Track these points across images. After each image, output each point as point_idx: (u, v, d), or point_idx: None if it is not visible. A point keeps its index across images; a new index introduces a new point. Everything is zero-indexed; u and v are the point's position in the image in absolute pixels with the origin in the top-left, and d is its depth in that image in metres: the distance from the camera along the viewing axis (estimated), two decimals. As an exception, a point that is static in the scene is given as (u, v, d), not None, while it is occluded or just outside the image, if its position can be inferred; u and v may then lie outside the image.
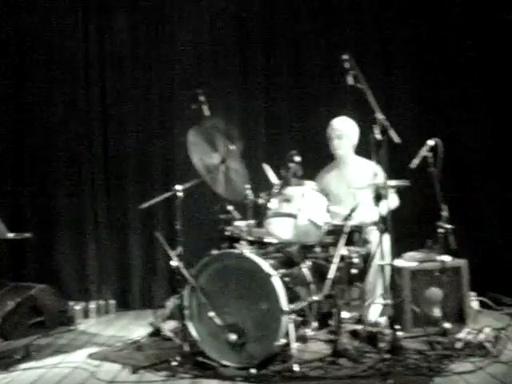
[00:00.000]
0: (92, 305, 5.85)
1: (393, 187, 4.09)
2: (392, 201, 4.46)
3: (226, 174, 4.10)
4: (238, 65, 6.08)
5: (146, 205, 4.03)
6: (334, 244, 3.96)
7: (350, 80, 3.76)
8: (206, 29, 6.02)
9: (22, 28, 5.97)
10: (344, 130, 4.70)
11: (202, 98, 4.14)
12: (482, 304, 4.78)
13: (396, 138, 3.67)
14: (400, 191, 4.49)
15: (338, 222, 4.01)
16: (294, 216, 3.77)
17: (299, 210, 3.75)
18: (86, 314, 5.78)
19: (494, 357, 3.54)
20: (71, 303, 5.67)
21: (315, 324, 3.93)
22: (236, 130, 5.68)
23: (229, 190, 4.16)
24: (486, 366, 3.39)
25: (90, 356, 4.13)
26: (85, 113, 6.06)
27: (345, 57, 3.78)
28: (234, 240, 4.06)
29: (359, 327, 3.97)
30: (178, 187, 3.90)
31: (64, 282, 6.05)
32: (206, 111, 4.14)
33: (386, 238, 3.89)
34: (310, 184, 3.87)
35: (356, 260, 3.92)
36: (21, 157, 6.00)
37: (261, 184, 4.14)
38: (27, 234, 4.64)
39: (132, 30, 6.08)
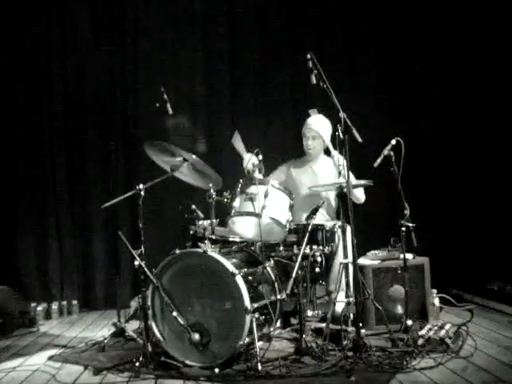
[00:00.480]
0: (54, 306, 5.75)
1: (356, 186, 4.13)
2: (359, 195, 4.52)
3: (194, 169, 4.08)
4: (202, 60, 6.04)
5: (108, 204, 3.97)
6: (298, 243, 3.98)
7: (313, 79, 3.76)
8: (170, 25, 5.97)
9: None
10: (319, 131, 4.71)
11: (165, 96, 4.10)
12: (444, 301, 4.84)
13: (359, 138, 3.69)
14: (364, 190, 4.53)
15: (300, 220, 4.02)
16: (257, 215, 3.76)
17: (262, 208, 3.75)
18: (48, 315, 5.69)
19: (454, 352, 3.61)
20: (33, 304, 5.57)
21: (279, 323, 3.96)
22: (200, 128, 5.75)
23: (200, 180, 4.17)
24: (447, 362, 3.46)
25: (51, 358, 4.06)
26: (47, 105, 5.96)
27: (308, 56, 3.78)
28: (197, 239, 4.06)
29: (322, 325, 3.99)
30: (141, 186, 3.85)
31: (25, 283, 5.94)
32: (169, 109, 4.11)
33: (349, 236, 3.91)
34: (272, 183, 3.87)
35: (319, 258, 3.95)
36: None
37: (225, 183, 4.12)
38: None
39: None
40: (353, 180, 3.84)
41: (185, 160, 3.98)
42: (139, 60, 5.99)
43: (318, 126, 4.73)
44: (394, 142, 4.03)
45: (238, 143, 4.43)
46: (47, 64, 5.93)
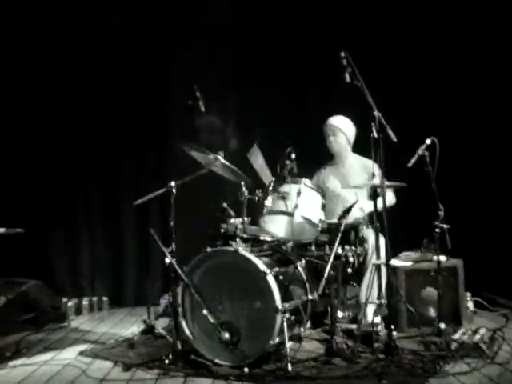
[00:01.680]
0: (85, 301, 5.82)
1: (389, 187, 4.06)
2: (389, 198, 4.44)
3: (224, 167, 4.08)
4: (233, 61, 6.03)
5: (140, 201, 3.98)
6: (330, 243, 3.94)
7: (347, 77, 3.73)
8: (202, 28, 5.97)
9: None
10: (338, 126, 4.70)
11: (198, 94, 4.10)
12: (477, 304, 4.75)
13: (393, 136, 3.63)
14: (397, 190, 4.47)
15: (333, 219, 3.98)
16: (289, 214, 3.73)
17: (295, 207, 3.72)
18: (78, 310, 5.75)
19: (489, 358, 3.53)
20: (64, 299, 5.63)
21: (309, 323, 3.92)
22: (231, 127, 5.73)
23: (234, 177, 4.16)
24: (481, 367, 3.38)
25: (82, 353, 4.09)
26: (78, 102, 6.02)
27: (342, 54, 3.74)
28: (228, 237, 4.04)
29: (354, 327, 3.94)
30: (173, 183, 3.85)
31: (57, 278, 6.03)
32: (202, 107, 4.10)
33: (382, 237, 3.86)
34: (305, 181, 3.83)
35: (351, 259, 3.90)
36: (13, 150, 5.94)
37: (257, 181, 4.10)
38: (19, 230, 4.60)
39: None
40: (386, 182, 3.78)
41: (216, 159, 3.97)
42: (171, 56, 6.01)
43: (337, 121, 4.73)
44: (428, 141, 3.95)
45: (255, 158, 4.26)
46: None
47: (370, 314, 3.83)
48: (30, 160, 5.97)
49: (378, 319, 3.75)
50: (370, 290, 3.81)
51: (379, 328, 3.76)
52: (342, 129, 4.70)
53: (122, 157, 6.07)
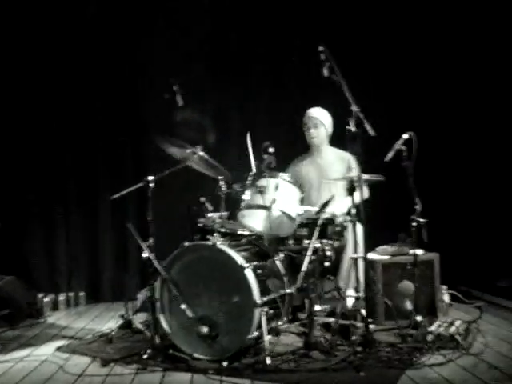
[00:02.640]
0: (61, 297, 5.77)
1: (367, 181, 4.09)
2: (364, 191, 4.48)
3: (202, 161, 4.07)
4: (211, 52, 6.01)
5: (117, 195, 3.96)
6: (308, 236, 3.95)
7: (325, 72, 3.73)
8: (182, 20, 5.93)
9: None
10: (321, 119, 4.73)
11: (175, 88, 4.07)
12: (453, 297, 4.82)
13: (371, 131, 3.65)
14: (374, 185, 4.50)
15: (311, 214, 3.99)
16: (267, 208, 3.73)
17: (272, 201, 3.72)
18: (55, 306, 5.70)
19: (464, 349, 3.58)
20: (40, 295, 5.57)
21: (288, 317, 3.93)
22: (209, 121, 5.72)
23: (211, 171, 4.15)
24: (457, 359, 3.43)
25: (59, 349, 4.06)
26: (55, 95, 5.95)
27: (320, 48, 3.74)
28: (206, 232, 4.03)
29: (331, 320, 3.96)
30: (150, 177, 3.83)
31: (33, 274, 5.94)
32: (180, 101, 4.08)
33: (360, 230, 3.89)
34: (283, 176, 3.83)
35: (329, 253, 3.91)
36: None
37: (234, 176, 4.10)
38: (-4, 224, 4.55)
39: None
40: (364, 176, 3.79)
41: (194, 153, 3.96)
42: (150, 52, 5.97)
43: (318, 113, 4.75)
44: (406, 136, 3.98)
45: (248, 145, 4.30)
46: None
47: (350, 298, 3.85)
48: (6, 155, 5.88)
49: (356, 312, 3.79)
50: (348, 283, 3.84)
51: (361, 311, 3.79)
52: (324, 121, 4.73)
53: (99, 152, 6.01)
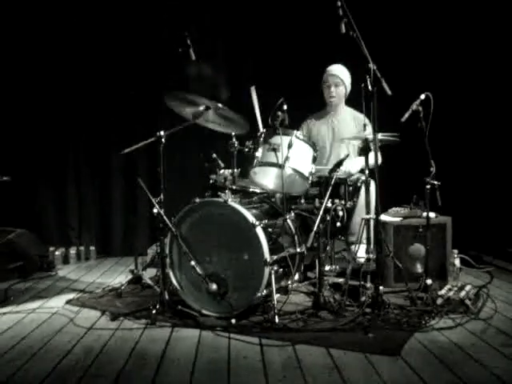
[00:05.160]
0: (72, 251, 5.83)
1: (382, 140, 4.01)
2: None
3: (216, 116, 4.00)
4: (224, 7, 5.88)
5: (128, 149, 3.91)
6: (320, 196, 3.91)
7: (342, 28, 3.61)
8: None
9: None
10: (342, 77, 4.67)
11: (188, 42, 3.99)
12: (464, 262, 4.78)
13: (388, 90, 3.56)
14: (389, 145, 4.42)
15: (324, 173, 3.94)
16: (279, 166, 3.68)
17: (285, 159, 3.67)
18: (65, 259, 5.76)
19: (474, 314, 3.57)
20: (51, 248, 5.64)
21: (297, 276, 3.93)
22: (222, 76, 5.63)
23: (227, 127, 4.10)
24: (466, 323, 3.41)
25: (69, 302, 4.10)
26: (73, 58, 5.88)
27: (338, 3, 3.62)
28: (217, 189, 4.00)
29: (341, 280, 3.96)
30: (162, 133, 3.78)
31: (44, 227, 6.03)
32: (193, 55, 3.99)
33: (373, 190, 3.84)
34: (297, 133, 3.76)
35: (341, 213, 3.87)
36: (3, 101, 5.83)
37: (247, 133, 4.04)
38: (6, 178, 4.54)
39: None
40: (379, 135, 3.71)
41: (207, 108, 3.90)
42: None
43: (340, 71, 4.68)
44: (422, 96, 3.87)
45: (253, 99, 4.24)
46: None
47: (362, 251, 3.84)
48: (20, 111, 5.87)
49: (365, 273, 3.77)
50: (360, 239, 3.81)
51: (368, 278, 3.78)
52: (345, 80, 4.67)
53: (109, 107, 5.97)
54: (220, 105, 3.84)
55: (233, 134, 3.93)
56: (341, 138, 4.51)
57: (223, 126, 4.10)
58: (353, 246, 4.08)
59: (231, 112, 3.90)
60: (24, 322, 3.67)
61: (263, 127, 4.04)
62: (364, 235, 3.75)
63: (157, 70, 5.84)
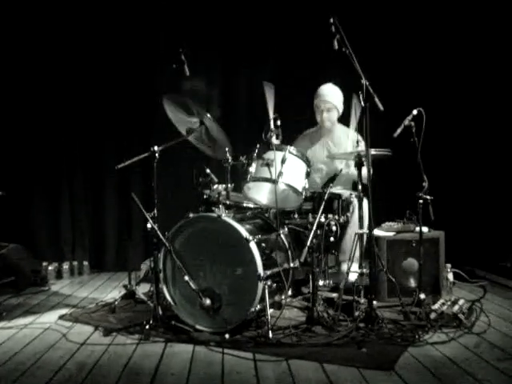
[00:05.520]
0: (65, 266, 5.81)
1: (374, 156, 4.04)
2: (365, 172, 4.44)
3: (207, 134, 4.02)
4: (219, 24, 5.92)
5: (122, 165, 3.92)
6: (313, 211, 3.93)
7: (335, 44, 3.65)
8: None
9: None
10: (334, 103, 4.66)
11: (183, 57, 4.01)
12: (457, 276, 4.80)
13: (380, 106, 3.59)
14: (381, 160, 4.45)
15: (317, 188, 3.96)
16: (273, 181, 3.70)
17: (279, 175, 3.68)
18: (59, 274, 5.74)
19: (467, 328, 3.57)
20: (44, 263, 5.62)
21: (291, 291, 3.93)
22: (216, 91, 5.66)
23: (213, 149, 4.12)
24: (459, 337, 3.42)
25: (62, 317, 4.08)
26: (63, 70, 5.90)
27: (331, 20, 3.67)
28: (211, 203, 4.01)
29: (335, 295, 3.96)
30: (156, 148, 3.80)
31: (37, 242, 6.00)
32: (187, 71, 4.02)
33: (365, 206, 3.85)
34: (290, 149, 3.78)
35: (334, 228, 3.89)
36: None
37: (239, 147, 4.06)
38: (0, 192, 4.53)
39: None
40: (371, 151, 3.74)
41: (201, 123, 3.92)
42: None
43: (332, 96, 4.66)
44: (415, 112, 3.92)
45: (269, 95, 4.05)
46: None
47: (353, 274, 3.84)
48: (13, 126, 5.88)
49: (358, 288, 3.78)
50: (352, 258, 3.82)
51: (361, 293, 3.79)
52: (337, 105, 4.65)
53: (104, 121, 5.98)
54: (211, 119, 3.86)
55: (226, 149, 3.95)
56: (334, 153, 4.53)
57: (209, 147, 4.12)
58: (344, 265, 4.08)
59: (220, 131, 3.92)
60: (16, 337, 3.65)
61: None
62: (357, 253, 3.76)
63: (151, 85, 5.86)
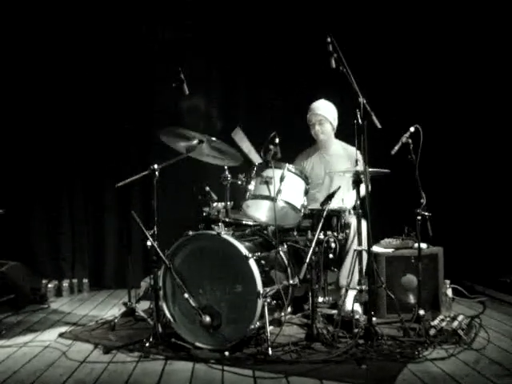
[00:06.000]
0: (65, 283, 5.80)
1: (372, 174, 4.08)
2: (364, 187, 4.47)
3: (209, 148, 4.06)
4: (218, 44, 5.99)
5: (122, 183, 3.95)
6: (312, 228, 3.95)
7: (332, 63, 3.70)
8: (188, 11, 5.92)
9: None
10: (325, 115, 4.69)
11: (182, 76, 4.05)
12: (456, 292, 4.82)
13: (378, 124, 3.63)
14: (379, 178, 4.49)
15: (316, 206, 3.98)
16: (272, 199, 3.72)
17: (278, 192, 3.71)
18: (58, 292, 5.73)
19: (467, 344, 3.57)
20: (44, 281, 5.61)
21: (290, 308, 3.94)
22: (215, 109, 5.70)
23: (219, 159, 4.15)
24: (459, 353, 3.42)
25: (62, 335, 4.08)
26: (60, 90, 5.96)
27: (328, 39, 3.71)
28: (211, 221, 4.03)
29: (334, 312, 3.97)
30: (155, 166, 3.83)
31: (37, 260, 5.99)
32: (186, 90, 4.06)
33: (364, 223, 3.88)
34: (289, 166, 3.81)
35: (333, 245, 3.90)
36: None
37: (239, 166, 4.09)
38: (0, 210, 4.55)
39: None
40: (369, 169, 3.77)
41: (200, 142, 3.95)
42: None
43: (323, 109, 4.71)
44: (412, 129, 3.97)
45: (240, 139, 4.24)
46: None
47: (351, 299, 3.85)
48: (13, 143, 5.91)
49: (357, 306, 3.79)
50: (352, 275, 3.83)
51: (359, 312, 3.79)
52: (328, 118, 4.69)
53: (104, 140, 6.02)
54: (213, 138, 3.90)
55: (225, 166, 3.98)
56: (332, 171, 4.55)
57: (218, 159, 4.15)
58: (343, 290, 4.09)
59: (225, 144, 3.95)
60: (16, 355, 3.64)
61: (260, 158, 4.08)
62: (356, 268, 3.77)
63: (151, 103, 5.92)
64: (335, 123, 4.74)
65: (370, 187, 4.39)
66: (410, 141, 3.94)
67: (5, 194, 5.68)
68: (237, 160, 4.04)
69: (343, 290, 4.06)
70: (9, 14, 5.77)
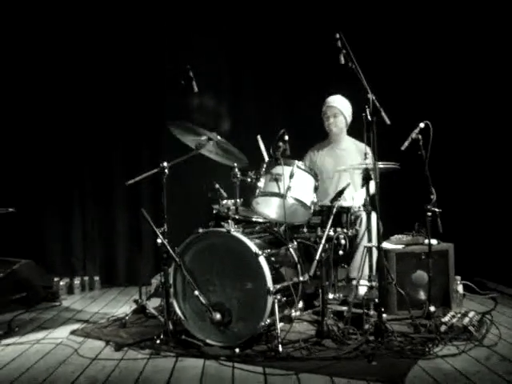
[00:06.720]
0: (76, 281, 5.83)
1: (382, 168, 4.06)
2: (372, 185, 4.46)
3: (220, 147, 4.07)
4: (227, 39, 5.99)
5: (133, 180, 3.97)
6: (322, 225, 3.94)
7: (341, 59, 3.70)
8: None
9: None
10: (340, 108, 4.72)
11: (191, 74, 4.06)
12: (467, 288, 4.79)
13: (387, 120, 3.62)
14: (389, 173, 4.47)
15: (325, 202, 3.98)
16: (281, 196, 3.72)
17: (287, 189, 3.71)
18: (70, 289, 5.77)
19: (478, 340, 3.56)
20: (55, 279, 5.64)
21: (300, 305, 3.93)
22: (224, 107, 5.71)
23: (226, 158, 4.16)
24: (470, 350, 3.41)
25: (74, 332, 4.10)
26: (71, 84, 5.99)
27: (337, 36, 3.71)
28: (220, 218, 4.04)
29: (344, 308, 3.96)
30: (165, 164, 3.84)
31: (49, 258, 6.04)
32: (195, 87, 4.07)
33: (374, 219, 3.87)
34: (298, 163, 3.81)
35: (343, 241, 3.90)
36: (6, 131, 5.91)
37: (249, 162, 4.10)
38: (11, 209, 4.58)
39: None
40: (379, 164, 3.76)
41: (210, 139, 3.96)
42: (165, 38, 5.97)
43: (339, 102, 4.73)
44: (422, 125, 3.95)
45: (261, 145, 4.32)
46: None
47: (363, 287, 3.85)
48: (23, 141, 5.95)
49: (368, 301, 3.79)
50: (362, 271, 3.82)
51: (371, 306, 3.79)
52: (343, 111, 4.72)
53: (114, 138, 6.05)
54: (219, 137, 3.91)
55: (235, 164, 3.99)
56: (343, 167, 4.54)
57: (224, 158, 4.16)
58: (354, 281, 4.08)
59: (230, 145, 3.97)
60: (28, 353, 3.68)
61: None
62: (366, 264, 3.77)
63: (160, 101, 5.93)
64: (349, 119, 4.77)
65: (379, 182, 4.41)
66: (419, 137, 3.92)
67: (17, 193, 5.74)
68: (240, 162, 4.04)
69: (354, 281, 4.05)
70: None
